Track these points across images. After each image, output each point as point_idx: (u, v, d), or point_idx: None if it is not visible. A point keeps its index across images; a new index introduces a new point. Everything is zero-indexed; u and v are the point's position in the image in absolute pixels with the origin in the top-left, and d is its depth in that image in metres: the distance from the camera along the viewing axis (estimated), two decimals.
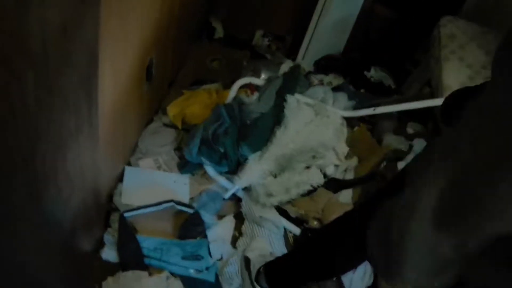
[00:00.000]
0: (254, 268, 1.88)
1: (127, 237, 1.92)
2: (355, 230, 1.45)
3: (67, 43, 1.10)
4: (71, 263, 1.69)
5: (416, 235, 0.69)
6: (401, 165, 2.34)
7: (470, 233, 0.63)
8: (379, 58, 3.13)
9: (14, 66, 0.87)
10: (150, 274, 1.86)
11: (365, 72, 3.06)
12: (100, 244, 1.97)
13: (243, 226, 2.15)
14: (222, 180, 2.15)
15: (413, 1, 2.95)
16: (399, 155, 2.41)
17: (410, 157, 2.38)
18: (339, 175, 2.40)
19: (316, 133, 2.26)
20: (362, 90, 2.92)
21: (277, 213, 2.18)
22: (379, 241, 0.81)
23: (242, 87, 2.43)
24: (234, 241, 2.12)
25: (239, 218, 2.18)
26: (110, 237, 1.97)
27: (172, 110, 2.33)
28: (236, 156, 2.14)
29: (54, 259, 1.52)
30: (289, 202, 2.22)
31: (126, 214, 1.95)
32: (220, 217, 2.16)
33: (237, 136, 2.17)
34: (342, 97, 2.66)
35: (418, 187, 0.71)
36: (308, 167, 2.24)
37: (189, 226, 2.01)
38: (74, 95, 1.30)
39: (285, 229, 2.19)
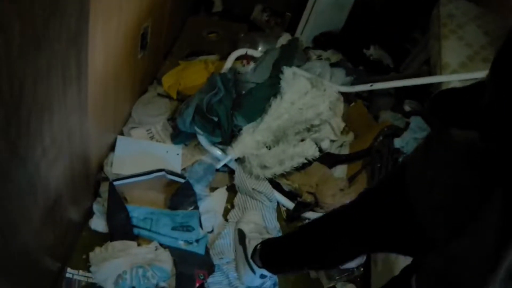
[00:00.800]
0: (249, 245, 1.76)
1: (117, 206, 1.79)
2: (351, 227, 1.35)
3: None
4: (57, 232, 1.59)
5: None
6: (397, 141, 2.24)
7: None
8: (378, 37, 3.02)
9: None
10: (138, 245, 1.75)
11: (364, 50, 2.95)
12: (89, 214, 1.86)
13: (235, 198, 2.04)
14: (215, 151, 2.03)
15: None
16: (395, 131, 2.31)
17: (406, 134, 2.27)
18: (334, 150, 2.29)
19: (311, 104, 2.13)
20: (360, 68, 2.81)
21: (271, 186, 2.07)
22: None
23: (239, 58, 2.31)
24: (226, 214, 2.01)
25: (232, 190, 2.07)
26: (99, 207, 1.85)
27: (167, 80, 2.21)
28: (230, 126, 2.01)
29: (40, 226, 1.42)
30: (282, 175, 2.10)
31: (116, 183, 1.83)
32: (213, 189, 2.04)
33: (232, 106, 2.04)
34: (340, 72, 2.55)
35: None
36: (303, 140, 2.13)
37: (180, 196, 1.89)
38: (63, 52, 1.20)
39: (278, 203, 2.09)
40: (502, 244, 0.60)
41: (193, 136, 2.06)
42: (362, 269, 1.97)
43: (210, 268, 1.79)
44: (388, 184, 1.25)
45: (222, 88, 2.03)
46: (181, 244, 1.80)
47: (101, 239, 1.79)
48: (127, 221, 1.79)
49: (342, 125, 2.35)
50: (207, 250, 1.84)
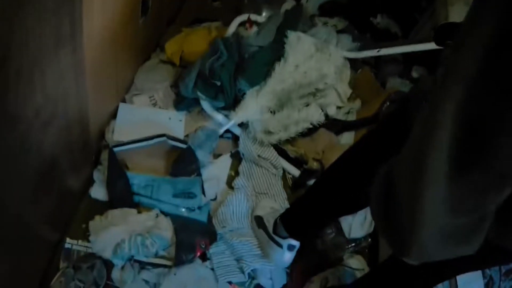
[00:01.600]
0: (269, 223, 1.66)
1: (117, 173, 1.70)
2: (359, 168, 1.26)
3: None
4: (55, 200, 1.50)
5: (433, 185, 0.51)
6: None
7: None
8: (386, 6, 2.86)
9: None
10: (139, 212, 1.65)
11: (371, 19, 2.80)
12: (90, 182, 1.76)
13: (240, 166, 1.92)
14: (218, 116, 1.91)
15: None
16: (403, 98, 2.18)
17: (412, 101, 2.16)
18: (341, 117, 2.15)
19: (316, 68, 2.00)
20: (367, 36, 2.66)
21: (276, 152, 1.95)
22: (381, 204, 0.63)
23: (242, 24, 2.18)
24: (230, 181, 1.90)
25: (236, 157, 1.95)
26: (100, 175, 1.75)
27: (170, 47, 2.08)
28: (233, 90, 1.88)
29: (36, 191, 1.32)
30: (288, 141, 1.98)
31: (116, 149, 1.71)
32: (216, 155, 1.93)
33: (235, 70, 1.90)
34: (346, 39, 2.40)
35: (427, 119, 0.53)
36: (308, 105, 2.01)
37: (182, 163, 1.77)
38: (54, 9, 1.10)
39: (283, 170, 1.98)
40: None
41: (196, 102, 1.93)
42: (370, 239, 1.88)
43: (212, 236, 1.68)
44: (394, 117, 1.19)
45: (225, 52, 1.90)
46: (183, 211, 1.69)
47: (102, 207, 1.69)
48: (127, 188, 1.69)
49: (349, 91, 2.22)
50: (209, 218, 1.73)
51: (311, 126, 1.97)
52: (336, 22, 2.54)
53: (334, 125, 2.09)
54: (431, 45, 2.17)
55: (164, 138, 1.76)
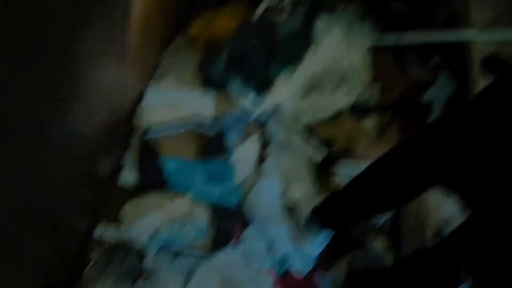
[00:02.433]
0: (301, 211, 1.62)
1: (149, 158, 1.65)
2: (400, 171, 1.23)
3: None
4: (88, 187, 1.43)
5: None
6: (426, 94, 2.09)
7: None
8: None
9: None
10: (172, 198, 1.60)
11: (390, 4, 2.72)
12: (121, 167, 1.69)
13: (268, 149, 1.85)
14: (247, 99, 1.84)
15: None
16: (423, 85, 2.14)
17: (435, 87, 2.12)
18: (364, 103, 2.12)
19: (344, 54, 1.94)
20: (386, 22, 2.59)
21: (303, 136, 1.89)
22: None
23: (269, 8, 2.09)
24: (259, 165, 1.82)
25: (265, 141, 1.87)
26: (131, 159, 1.69)
27: (196, 28, 1.99)
28: (263, 75, 1.82)
29: (72, 181, 1.25)
30: (314, 125, 1.92)
31: (148, 134, 1.68)
32: (245, 139, 1.84)
33: (265, 54, 1.84)
34: (366, 25, 2.35)
35: None
36: (335, 91, 1.95)
37: (212, 146, 1.72)
38: None
39: (310, 154, 1.90)
40: None
41: (226, 85, 1.86)
42: (391, 220, 1.83)
43: (244, 221, 1.63)
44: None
45: (255, 36, 1.83)
46: (216, 196, 1.64)
47: (133, 193, 1.62)
48: (159, 173, 1.63)
49: (370, 76, 2.17)
50: (241, 202, 1.68)
51: (337, 112, 1.91)
52: (354, 8, 2.47)
53: (357, 110, 2.04)
54: (451, 35, 2.14)
55: (194, 122, 1.70)
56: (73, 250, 1.46)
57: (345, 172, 1.83)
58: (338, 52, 1.92)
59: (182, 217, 1.53)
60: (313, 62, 1.86)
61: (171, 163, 1.65)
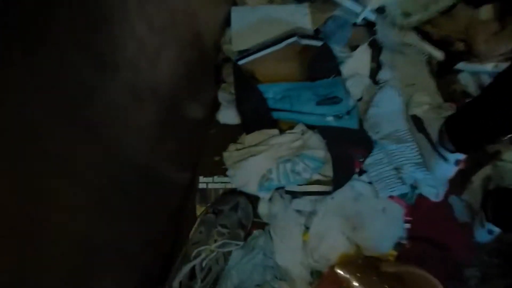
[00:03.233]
0: (431, 128, 1.32)
1: (246, 89, 1.39)
2: None
3: None
4: (180, 135, 1.23)
5: None
6: None
7: None
8: None
9: None
10: (281, 131, 1.36)
11: None
12: (215, 106, 1.48)
13: (381, 56, 1.54)
14: (349, 2, 1.50)
15: None
16: None
17: None
18: None
19: None
20: None
21: (418, 36, 1.54)
22: None
23: None
24: (373, 75, 1.53)
25: (375, 46, 1.56)
26: (225, 95, 1.46)
27: None
28: None
29: (160, 134, 1.05)
30: (428, 22, 1.54)
31: (240, 62, 1.41)
32: (353, 47, 1.54)
33: None
34: None
35: None
36: None
37: (319, 63, 1.42)
38: None
39: (428, 55, 1.57)
40: None
41: None
42: None
43: (367, 145, 1.36)
44: None
45: None
46: (330, 120, 1.37)
47: (234, 132, 1.40)
48: (262, 104, 1.38)
49: None
50: (360, 123, 1.41)
51: (451, 3, 1.53)
52: None
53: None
54: None
55: (294, 38, 1.40)
56: (176, 207, 1.31)
57: (467, 79, 1.51)
58: None
59: (294, 152, 1.29)
60: None
61: (273, 90, 1.40)
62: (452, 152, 1.23)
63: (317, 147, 1.27)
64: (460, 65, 1.56)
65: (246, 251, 1.27)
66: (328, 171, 1.28)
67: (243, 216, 1.28)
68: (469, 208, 1.39)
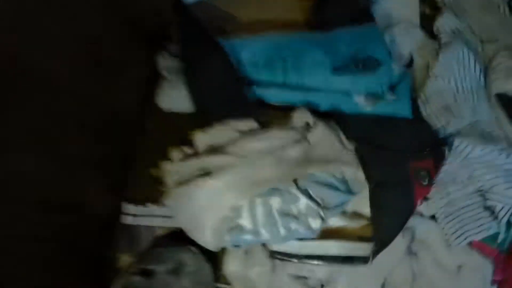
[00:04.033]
0: None
1: (204, 48, 0.74)
2: None
3: None
4: None
5: None
6: None
7: None
8: None
9: None
10: (264, 124, 0.71)
11: None
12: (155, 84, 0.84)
13: None
14: None
15: None
16: None
17: None
18: None
19: None
20: None
21: None
22: None
23: None
24: (428, 23, 0.86)
25: None
26: (171, 62, 0.81)
27: None
28: None
29: None
30: None
31: None
32: None
33: None
34: None
35: None
36: None
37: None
38: None
39: None
40: None
41: None
42: None
43: (436, 149, 0.71)
44: None
45: None
46: (360, 101, 0.70)
47: (184, 126, 0.77)
48: (230, 74, 0.72)
49: None
50: (414, 107, 0.74)
51: None
52: None
53: None
54: None
55: None
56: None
57: None
58: None
59: (289, 169, 0.64)
60: None
61: (253, 49, 0.74)
62: None
63: (338, 159, 0.61)
64: None
65: None
66: (361, 207, 0.63)
67: (192, 284, 0.64)
68: None
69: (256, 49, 0.72)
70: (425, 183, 0.68)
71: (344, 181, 0.62)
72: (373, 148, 0.65)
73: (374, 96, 0.70)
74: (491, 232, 0.71)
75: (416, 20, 0.87)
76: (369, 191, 0.63)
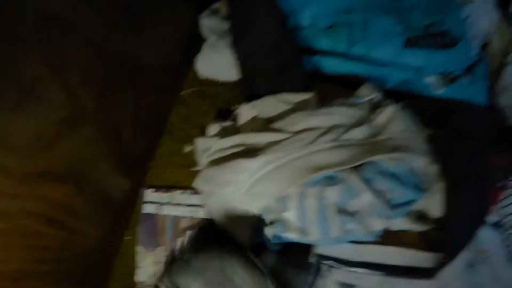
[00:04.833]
0: None
1: (254, 7, 0.61)
2: None
3: None
4: None
5: None
6: None
7: None
8: None
9: None
10: (323, 99, 0.59)
11: None
12: (193, 47, 0.72)
13: None
14: None
15: None
16: None
17: None
18: None
19: None
20: None
21: None
22: None
23: None
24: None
25: None
26: (216, 22, 0.69)
27: None
28: None
29: None
30: None
31: None
32: None
33: None
34: None
35: None
36: None
37: None
38: None
39: None
40: None
41: None
42: None
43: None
44: None
45: None
46: (432, 81, 0.60)
47: (225, 98, 0.69)
48: (285, 38, 0.61)
49: None
50: (492, 94, 0.63)
51: None
52: None
53: None
54: None
55: None
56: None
57: None
58: None
59: (350, 154, 0.53)
60: None
61: (313, 9, 0.62)
62: None
63: (409, 146, 0.51)
64: None
65: None
66: (428, 208, 0.53)
67: None
68: None
69: (318, 10, 0.61)
70: (500, 184, 0.57)
71: (414, 174, 0.51)
72: (450, 135, 0.54)
73: (448, 77, 0.60)
74: None
75: None
76: (445, 188, 0.52)
